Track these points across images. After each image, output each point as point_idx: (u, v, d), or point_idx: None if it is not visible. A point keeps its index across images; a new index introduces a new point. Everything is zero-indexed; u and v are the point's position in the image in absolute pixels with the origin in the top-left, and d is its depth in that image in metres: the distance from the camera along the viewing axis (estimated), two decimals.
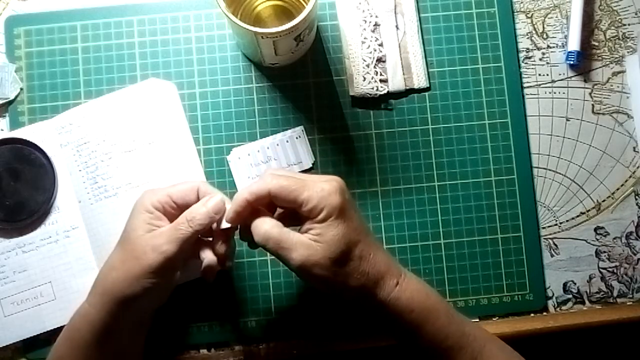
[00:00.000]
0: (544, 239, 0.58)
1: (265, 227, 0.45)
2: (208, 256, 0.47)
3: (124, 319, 0.47)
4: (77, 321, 0.48)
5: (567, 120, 0.59)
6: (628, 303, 0.58)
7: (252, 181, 0.57)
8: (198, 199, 0.47)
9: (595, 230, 0.58)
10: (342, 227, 0.44)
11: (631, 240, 0.58)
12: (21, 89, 0.58)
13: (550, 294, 0.57)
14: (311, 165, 0.57)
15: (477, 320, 0.57)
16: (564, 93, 0.59)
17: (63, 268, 0.55)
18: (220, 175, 0.57)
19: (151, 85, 0.57)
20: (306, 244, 0.44)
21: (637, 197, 0.58)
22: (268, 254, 0.56)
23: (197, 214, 0.45)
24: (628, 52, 0.59)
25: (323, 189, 0.43)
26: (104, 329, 0.47)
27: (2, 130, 0.58)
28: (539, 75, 0.59)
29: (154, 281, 0.45)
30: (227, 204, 0.47)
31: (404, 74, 0.58)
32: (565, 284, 0.58)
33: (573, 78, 0.59)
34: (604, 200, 0.58)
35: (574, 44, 0.58)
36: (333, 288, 0.45)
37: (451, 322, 0.46)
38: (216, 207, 0.46)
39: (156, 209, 0.47)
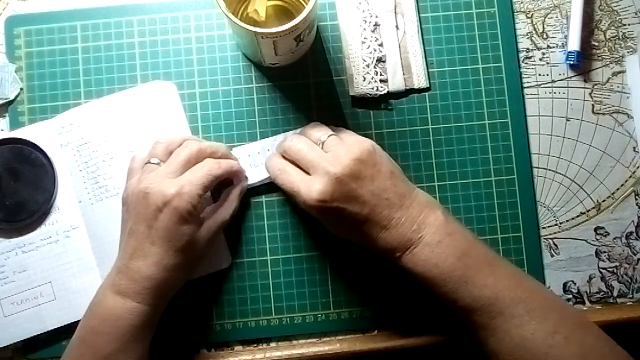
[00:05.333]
0: (544, 239, 0.58)
1: (279, 166, 0.52)
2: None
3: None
4: (119, 315, 0.48)
5: (567, 120, 0.59)
6: (628, 303, 0.58)
7: (250, 182, 0.57)
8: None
9: (595, 230, 0.58)
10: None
11: (631, 240, 0.58)
12: (21, 89, 0.58)
13: None
14: None
15: None
16: (564, 93, 0.59)
17: (63, 268, 0.55)
18: None
19: (153, 86, 0.57)
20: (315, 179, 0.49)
21: (637, 197, 0.58)
22: (268, 254, 0.56)
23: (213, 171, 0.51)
24: (628, 52, 0.59)
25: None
26: (153, 323, 0.50)
27: (2, 130, 0.58)
28: (539, 75, 0.59)
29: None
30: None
31: (404, 74, 0.58)
32: (565, 284, 0.58)
33: (573, 78, 0.59)
34: (604, 200, 0.58)
35: (574, 44, 0.58)
36: (344, 231, 0.50)
37: (464, 286, 0.47)
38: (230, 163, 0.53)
39: (195, 209, 0.49)
